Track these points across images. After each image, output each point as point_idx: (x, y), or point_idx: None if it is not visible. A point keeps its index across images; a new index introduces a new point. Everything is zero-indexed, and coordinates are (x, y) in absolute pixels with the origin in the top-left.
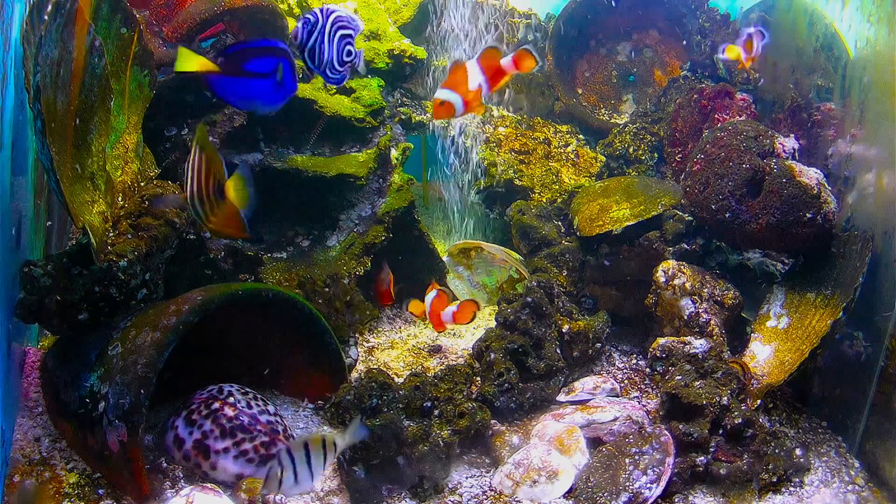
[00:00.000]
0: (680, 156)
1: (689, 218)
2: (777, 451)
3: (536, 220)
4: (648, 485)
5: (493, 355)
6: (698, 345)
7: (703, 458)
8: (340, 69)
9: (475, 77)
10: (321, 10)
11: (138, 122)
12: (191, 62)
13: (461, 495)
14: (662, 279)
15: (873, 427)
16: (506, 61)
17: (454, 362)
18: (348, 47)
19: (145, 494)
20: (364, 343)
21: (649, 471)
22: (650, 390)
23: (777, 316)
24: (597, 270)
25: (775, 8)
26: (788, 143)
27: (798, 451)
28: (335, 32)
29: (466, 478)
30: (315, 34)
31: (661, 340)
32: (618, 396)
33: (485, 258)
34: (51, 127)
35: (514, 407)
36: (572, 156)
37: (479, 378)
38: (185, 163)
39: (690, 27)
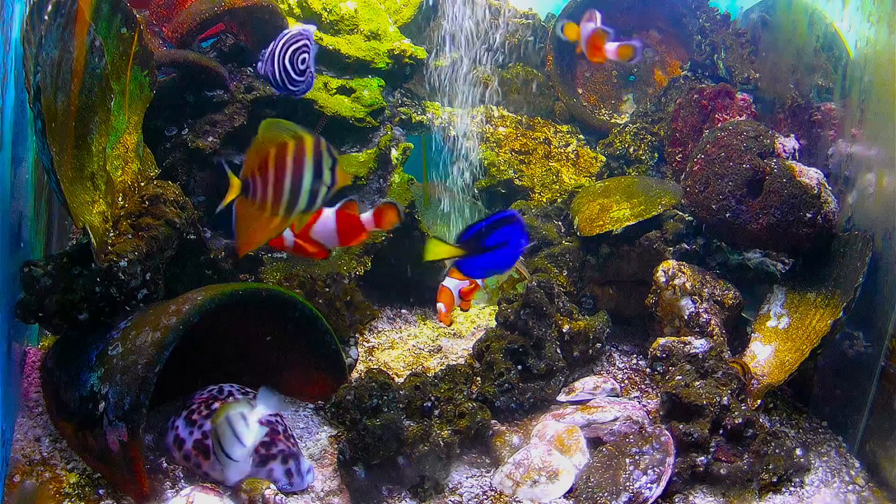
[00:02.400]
0: (680, 156)
1: (690, 218)
2: (777, 451)
3: (536, 220)
4: (649, 485)
5: (493, 355)
6: (698, 345)
7: (703, 458)
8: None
9: (325, 224)
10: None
11: (138, 122)
12: (438, 251)
13: (461, 495)
14: (662, 279)
15: (873, 427)
16: (366, 217)
17: (454, 362)
18: (303, 55)
19: (145, 494)
20: (364, 343)
21: (649, 471)
22: (650, 390)
23: (777, 316)
24: (597, 270)
25: (775, 8)
26: (789, 143)
27: (798, 451)
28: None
29: (467, 478)
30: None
31: (662, 340)
32: (618, 396)
33: None
34: (51, 127)
35: (514, 407)
36: (572, 156)
37: (479, 378)
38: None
39: (690, 27)
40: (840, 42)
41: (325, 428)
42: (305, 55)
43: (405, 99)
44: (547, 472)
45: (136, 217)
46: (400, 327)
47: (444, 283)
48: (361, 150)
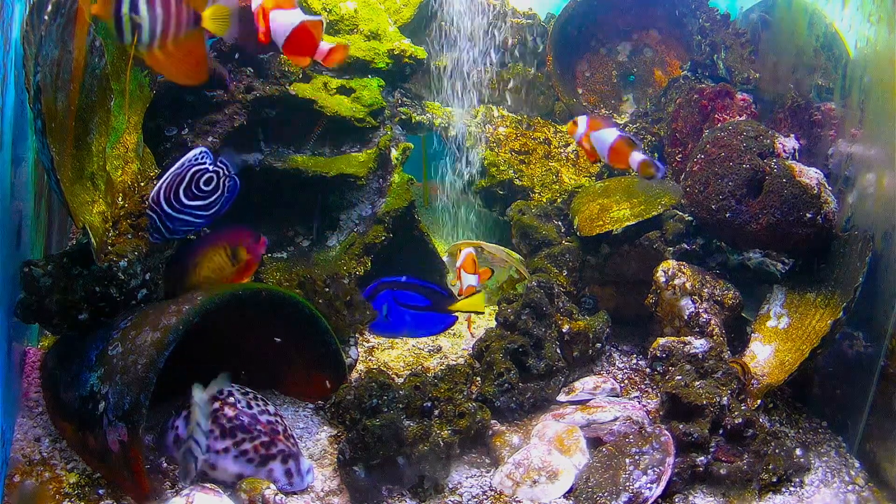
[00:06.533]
0: (680, 156)
1: (690, 218)
2: (777, 451)
3: (536, 220)
4: (648, 485)
5: (493, 355)
6: (698, 345)
7: (703, 458)
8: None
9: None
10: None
11: (138, 122)
12: None
13: (461, 495)
14: (662, 279)
15: (873, 427)
16: (324, 44)
17: (454, 362)
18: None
19: (145, 494)
20: (364, 343)
21: (649, 471)
22: (650, 390)
23: (777, 316)
24: (597, 270)
25: (775, 8)
26: (789, 142)
27: (798, 451)
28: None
29: (466, 478)
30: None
31: (662, 340)
32: (618, 396)
33: (485, 258)
34: (51, 127)
35: (514, 407)
36: (572, 156)
37: (479, 378)
38: None
39: (690, 27)
40: (840, 42)
41: (325, 428)
42: (209, 175)
43: (405, 99)
44: (547, 472)
45: (135, 217)
46: None
47: (470, 282)
48: (361, 150)
